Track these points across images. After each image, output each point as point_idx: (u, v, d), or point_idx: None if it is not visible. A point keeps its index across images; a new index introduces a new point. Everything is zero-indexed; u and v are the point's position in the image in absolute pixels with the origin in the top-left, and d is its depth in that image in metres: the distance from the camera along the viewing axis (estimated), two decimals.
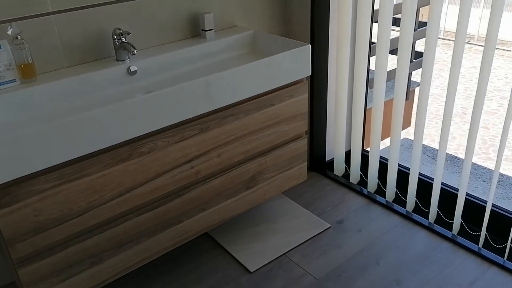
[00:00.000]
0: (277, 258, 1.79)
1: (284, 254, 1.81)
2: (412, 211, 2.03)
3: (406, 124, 3.88)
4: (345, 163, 2.31)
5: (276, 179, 1.81)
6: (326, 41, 2.05)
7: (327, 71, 2.12)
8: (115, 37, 1.57)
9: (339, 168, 2.31)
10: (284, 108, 1.70)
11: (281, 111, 1.69)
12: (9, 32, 1.39)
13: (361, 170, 2.27)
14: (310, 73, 1.72)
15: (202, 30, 1.80)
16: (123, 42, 1.56)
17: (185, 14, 1.76)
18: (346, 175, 2.30)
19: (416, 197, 2.04)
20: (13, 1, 1.40)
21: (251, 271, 1.73)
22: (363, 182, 2.25)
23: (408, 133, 4.36)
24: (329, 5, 1.99)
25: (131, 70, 1.59)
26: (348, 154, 2.29)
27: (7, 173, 1.14)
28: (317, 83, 2.12)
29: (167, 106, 1.38)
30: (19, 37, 1.40)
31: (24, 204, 1.20)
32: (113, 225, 1.40)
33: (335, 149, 2.29)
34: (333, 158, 2.32)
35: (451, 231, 1.88)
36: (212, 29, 1.80)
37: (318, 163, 2.32)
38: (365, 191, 2.14)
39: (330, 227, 1.94)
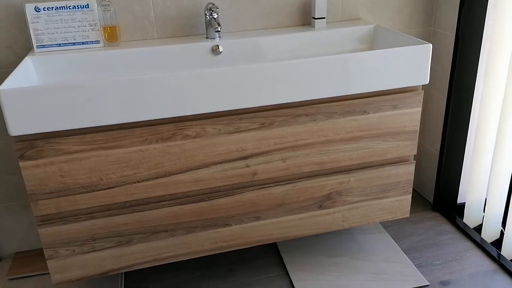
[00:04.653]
0: None
1: None
2: None
3: None
4: (484, 211, 1.79)
5: (361, 206, 1.46)
6: (477, 50, 1.59)
7: (474, 89, 1.65)
8: (206, 12, 1.45)
9: (472, 216, 1.80)
10: (381, 120, 1.35)
11: (376, 123, 1.35)
12: None
13: (502, 225, 1.72)
14: (427, 82, 1.33)
15: (313, 18, 1.56)
16: (212, 18, 1.43)
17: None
18: (479, 228, 1.78)
19: None
20: None
21: None
22: (500, 242, 1.70)
23: None
24: (486, 5, 1.53)
25: (219, 50, 1.46)
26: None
27: (34, 126, 1.11)
28: (456, 102, 1.67)
29: (227, 87, 1.19)
30: None
31: (50, 161, 1.16)
32: (146, 208, 1.28)
33: (469, 190, 1.78)
34: (465, 202, 1.82)
35: None
36: (323, 18, 1.54)
37: (446, 203, 1.85)
38: (497, 254, 1.61)
39: (428, 285, 1.50)
